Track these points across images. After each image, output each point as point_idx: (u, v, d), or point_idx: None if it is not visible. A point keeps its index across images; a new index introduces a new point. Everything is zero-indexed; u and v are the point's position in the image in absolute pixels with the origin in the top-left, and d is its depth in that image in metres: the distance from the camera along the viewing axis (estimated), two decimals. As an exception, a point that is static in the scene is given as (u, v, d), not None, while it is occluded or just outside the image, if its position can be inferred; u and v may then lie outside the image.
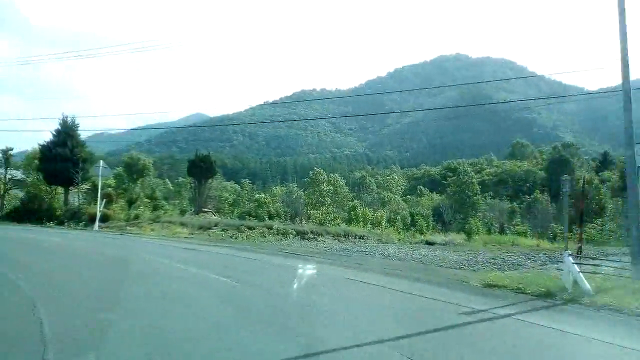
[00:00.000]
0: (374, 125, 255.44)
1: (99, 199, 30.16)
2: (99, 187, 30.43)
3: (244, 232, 26.98)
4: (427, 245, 25.60)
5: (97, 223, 28.87)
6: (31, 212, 34.60)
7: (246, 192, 64.04)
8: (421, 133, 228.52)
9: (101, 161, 30.66)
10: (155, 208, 43.80)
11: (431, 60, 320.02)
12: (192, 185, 38.82)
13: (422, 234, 31.73)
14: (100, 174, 29.99)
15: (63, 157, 35.36)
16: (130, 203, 37.71)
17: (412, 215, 38.33)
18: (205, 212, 40.19)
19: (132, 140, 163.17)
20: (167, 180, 66.59)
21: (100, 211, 29.82)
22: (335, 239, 26.46)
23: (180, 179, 68.85)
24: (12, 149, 38.60)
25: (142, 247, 18.60)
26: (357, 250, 20.59)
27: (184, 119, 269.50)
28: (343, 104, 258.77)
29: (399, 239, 28.46)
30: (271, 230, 26.92)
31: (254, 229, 27.02)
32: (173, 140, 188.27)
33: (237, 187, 63.19)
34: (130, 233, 26.31)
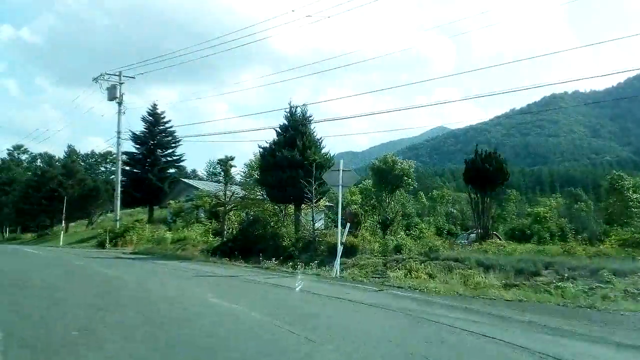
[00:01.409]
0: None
1: (339, 221, 18.18)
2: (339, 201, 18.36)
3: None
4: None
5: (337, 263, 16.88)
6: (252, 241, 24.46)
7: (513, 204, 50.85)
8: None
9: (341, 161, 18.58)
10: (407, 227, 31.42)
11: None
12: (474, 197, 24.94)
13: None
14: (340, 182, 17.91)
15: (291, 162, 24.67)
16: (385, 226, 25.62)
17: None
18: (492, 236, 26.28)
19: (371, 156, 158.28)
20: (421, 193, 54.71)
21: (341, 243, 17.69)
22: None
23: (435, 191, 56.71)
24: (232, 158, 29.50)
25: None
26: None
27: (427, 133, 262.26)
28: (598, 107, 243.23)
29: None
30: None
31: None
32: (415, 155, 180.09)
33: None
34: (400, 286, 13.68)
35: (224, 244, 25.50)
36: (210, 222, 33.57)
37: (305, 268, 18.92)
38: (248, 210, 29.36)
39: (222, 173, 29.50)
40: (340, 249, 17.56)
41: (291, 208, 27.46)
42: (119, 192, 35.08)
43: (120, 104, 34.24)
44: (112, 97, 33.95)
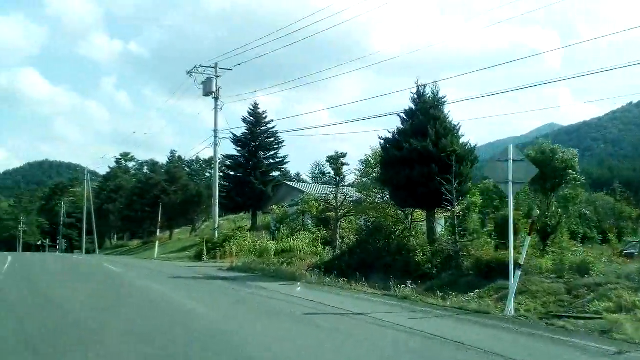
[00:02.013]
0: None
1: (510, 230, 12.51)
2: (510, 203, 12.68)
3: None
4: None
5: (511, 299, 11.19)
6: (373, 255, 19.38)
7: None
8: None
9: (510, 147, 12.88)
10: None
11: None
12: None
13: None
14: (510, 177, 12.33)
15: (422, 155, 19.25)
16: (545, 235, 19.51)
17: None
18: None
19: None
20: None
21: (519, 265, 11.97)
22: None
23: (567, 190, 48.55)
24: (344, 155, 24.53)
25: None
26: None
27: (536, 131, 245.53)
28: None
29: None
30: None
31: None
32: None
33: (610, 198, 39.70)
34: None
35: (338, 259, 20.48)
36: (319, 230, 28.98)
37: (454, 295, 13.42)
38: (365, 216, 24.26)
39: (332, 173, 24.64)
40: (516, 275, 11.84)
41: (419, 213, 22.00)
42: (217, 197, 31.34)
43: (216, 99, 30.55)
44: (207, 92, 30.34)
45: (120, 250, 65.72)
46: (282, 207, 33.79)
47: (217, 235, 29.80)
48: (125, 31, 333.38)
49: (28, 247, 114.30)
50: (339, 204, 23.88)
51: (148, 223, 64.76)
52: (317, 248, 26.92)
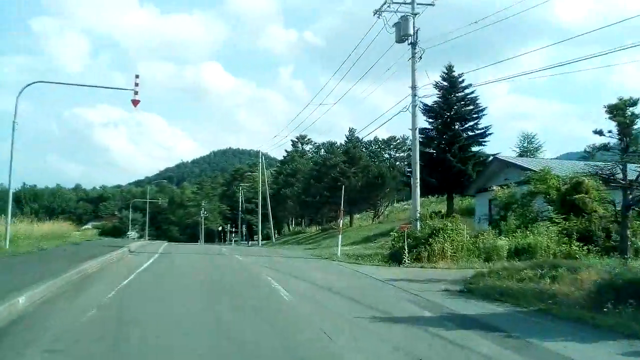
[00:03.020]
0: None
1: None
2: None
3: None
4: None
5: None
6: None
7: None
8: None
9: None
10: None
11: None
12: None
13: None
14: None
15: None
16: None
17: None
18: None
19: None
20: None
21: None
22: None
23: None
24: (636, 101, 15.43)
25: None
26: None
27: None
28: None
29: None
30: None
31: None
32: None
33: None
34: None
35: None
36: (566, 218, 20.32)
37: None
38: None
39: (615, 130, 15.77)
40: None
41: None
42: (417, 174, 23.42)
43: (413, 45, 22.87)
44: (402, 36, 22.84)
45: (298, 238, 61.90)
46: (508, 187, 25.22)
47: (419, 226, 22.16)
48: (300, 21, 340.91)
49: (210, 233, 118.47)
50: (630, 180, 14.99)
51: (326, 208, 59.98)
52: (569, 247, 18.43)
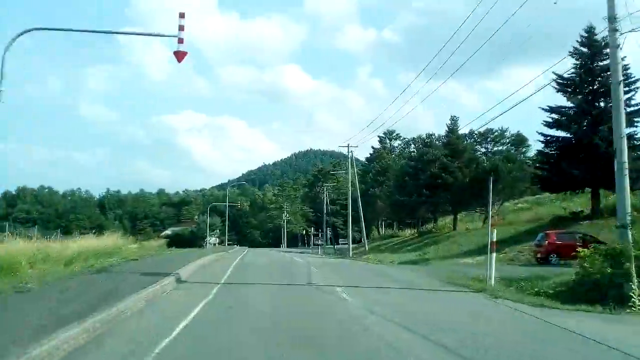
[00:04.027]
0: None
1: None
2: None
3: None
4: None
5: None
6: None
7: None
8: None
9: None
10: None
11: None
12: None
13: None
14: None
15: None
16: None
17: None
18: None
19: None
20: None
21: None
22: None
23: None
24: None
25: None
26: None
27: None
28: None
29: None
30: None
31: None
32: None
33: None
34: None
35: None
36: None
37: None
38: None
39: None
40: None
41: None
42: (624, 152, 14.35)
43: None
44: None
45: (391, 243, 54.51)
46: None
47: (630, 237, 13.17)
48: (378, 20, 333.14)
49: (293, 237, 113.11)
50: None
51: (423, 208, 52.28)
52: None
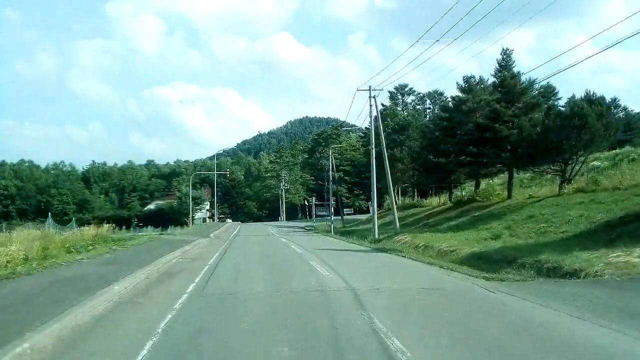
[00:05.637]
0: None
1: None
2: None
3: None
4: None
5: None
6: None
7: None
8: None
9: None
10: None
11: None
12: None
13: None
14: None
15: None
16: None
17: None
18: None
19: None
20: None
21: None
22: None
23: None
24: None
25: None
26: None
27: None
28: None
29: None
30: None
31: None
32: None
33: None
34: None
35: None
36: None
37: None
38: None
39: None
40: None
41: None
42: None
43: None
44: None
45: (415, 215, 43.36)
46: None
47: None
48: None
49: (292, 208, 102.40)
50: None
51: (466, 171, 41.22)
52: None
